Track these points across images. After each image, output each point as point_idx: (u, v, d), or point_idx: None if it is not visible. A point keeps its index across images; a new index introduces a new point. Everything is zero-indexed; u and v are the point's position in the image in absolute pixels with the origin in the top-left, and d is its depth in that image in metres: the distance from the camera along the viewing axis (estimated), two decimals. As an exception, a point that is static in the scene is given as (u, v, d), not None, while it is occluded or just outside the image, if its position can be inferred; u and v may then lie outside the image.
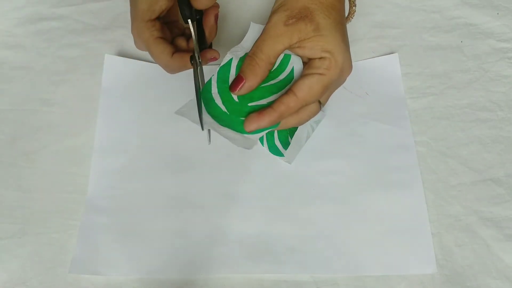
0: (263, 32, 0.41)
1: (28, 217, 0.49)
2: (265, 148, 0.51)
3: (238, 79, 0.41)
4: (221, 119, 0.42)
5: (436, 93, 0.54)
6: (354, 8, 0.47)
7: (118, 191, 0.50)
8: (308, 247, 0.47)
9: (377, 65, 0.55)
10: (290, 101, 0.40)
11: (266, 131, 0.41)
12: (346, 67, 0.42)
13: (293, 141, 0.49)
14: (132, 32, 0.47)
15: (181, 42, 0.48)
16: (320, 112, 0.44)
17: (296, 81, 0.41)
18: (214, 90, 0.43)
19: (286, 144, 0.50)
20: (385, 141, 0.51)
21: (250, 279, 0.46)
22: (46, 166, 0.52)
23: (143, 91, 0.55)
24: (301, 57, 0.43)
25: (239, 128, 0.42)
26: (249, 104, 0.42)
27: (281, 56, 0.43)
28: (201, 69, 0.45)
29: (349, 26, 0.52)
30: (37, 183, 0.51)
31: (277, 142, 0.50)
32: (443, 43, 0.57)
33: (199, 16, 0.46)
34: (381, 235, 0.47)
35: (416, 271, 0.46)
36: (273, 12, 0.42)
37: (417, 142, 0.52)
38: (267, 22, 0.42)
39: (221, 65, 0.43)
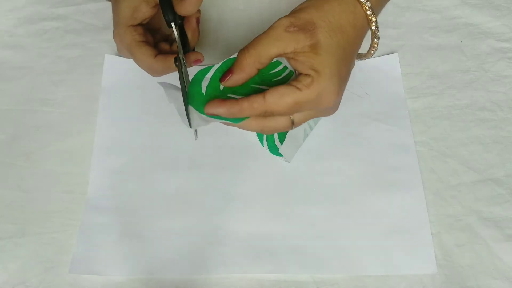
0: (263, 32, 0.41)
1: (28, 217, 0.49)
2: (265, 148, 0.51)
3: (228, 71, 0.41)
4: (193, 98, 0.42)
5: (436, 93, 0.54)
6: (376, 40, 0.45)
7: (118, 191, 0.50)
8: (308, 247, 0.47)
9: (377, 65, 0.55)
10: (255, 101, 0.39)
11: (224, 120, 0.41)
12: (326, 94, 0.39)
13: (288, 138, 0.49)
14: (114, 38, 0.47)
15: (164, 46, 0.49)
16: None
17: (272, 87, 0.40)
18: (209, 75, 0.43)
19: (286, 144, 0.50)
20: (385, 141, 0.51)
21: (250, 279, 0.46)
22: (46, 166, 0.52)
23: (143, 91, 0.55)
24: (293, 70, 0.42)
25: (201, 108, 0.41)
26: (228, 95, 0.42)
27: (287, 71, 0.42)
28: (186, 70, 0.45)
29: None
30: (37, 183, 0.51)
31: (277, 142, 0.50)
32: (443, 43, 0.57)
33: (181, 21, 0.46)
34: (381, 235, 0.47)
35: (416, 271, 0.46)
36: (283, 16, 0.41)
37: (417, 142, 0.51)
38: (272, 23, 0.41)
39: (230, 57, 0.43)
